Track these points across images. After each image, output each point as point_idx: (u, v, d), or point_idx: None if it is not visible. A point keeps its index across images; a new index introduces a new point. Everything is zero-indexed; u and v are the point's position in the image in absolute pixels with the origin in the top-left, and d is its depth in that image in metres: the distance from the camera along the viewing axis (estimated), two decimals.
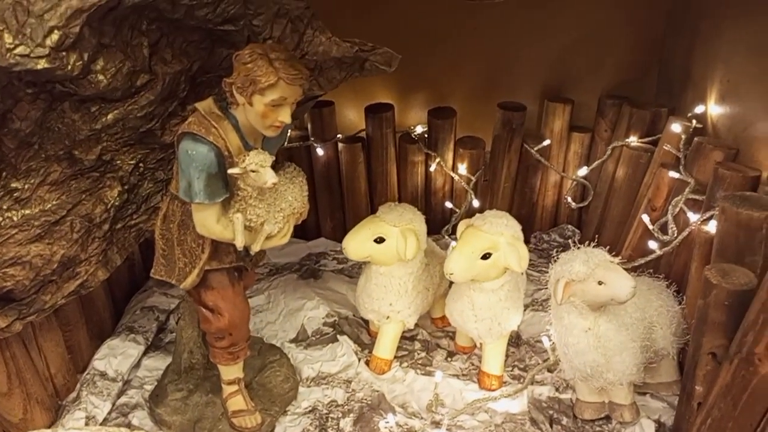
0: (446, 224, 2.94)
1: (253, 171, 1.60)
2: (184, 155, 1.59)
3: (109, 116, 1.74)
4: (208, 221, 1.66)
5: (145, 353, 2.31)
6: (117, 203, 1.94)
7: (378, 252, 2.13)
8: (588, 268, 1.80)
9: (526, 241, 3.10)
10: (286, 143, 2.94)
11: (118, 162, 1.93)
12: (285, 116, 1.59)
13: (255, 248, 1.74)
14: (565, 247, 1.97)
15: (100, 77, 1.59)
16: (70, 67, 1.47)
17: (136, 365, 2.26)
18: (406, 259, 2.12)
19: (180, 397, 2.02)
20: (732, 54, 2.21)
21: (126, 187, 1.96)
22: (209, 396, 2.02)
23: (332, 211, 3.07)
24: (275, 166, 1.86)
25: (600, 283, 1.78)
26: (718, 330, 1.70)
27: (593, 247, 1.86)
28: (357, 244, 2.12)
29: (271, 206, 1.73)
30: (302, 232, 3.18)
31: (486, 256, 2.00)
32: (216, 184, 1.62)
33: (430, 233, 3.07)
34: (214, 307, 1.83)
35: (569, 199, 2.92)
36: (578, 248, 1.87)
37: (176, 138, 1.61)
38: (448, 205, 2.95)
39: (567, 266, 1.83)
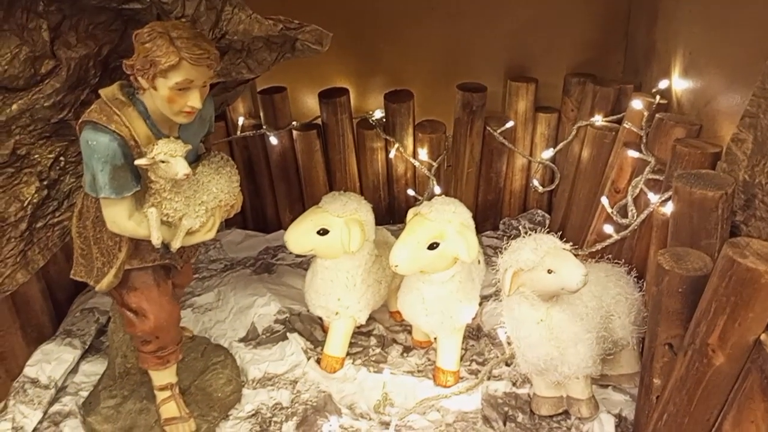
0: None
1: (163, 161, 1.47)
2: (85, 146, 1.46)
3: (14, 107, 1.62)
4: (119, 217, 1.53)
5: (84, 357, 2.19)
6: (35, 200, 1.81)
7: (322, 244, 2.01)
8: (537, 256, 1.69)
9: (495, 228, 3.01)
10: (236, 134, 2.83)
11: (36, 156, 1.80)
12: (194, 101, 1.46)
13: (175, 245, 1.62)
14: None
15: None
16: None
17: (73, 370, 2.14)
18: (350, 252, 2.00)
19: (113, 405, 1.91)
20: (692, 25, 2.08)
21: (45, 182, 1.83)
22: (144, 402, 1.91)
23: (291, 202, 2.95)
24: (200, 156, 1.75)
25: (549, 271, 1.68)
26: (673, 319, 1.58)
27: (546, 233, 1.76)
28: (298, 236, 2.01)
29: (190, 199, 1.61)
30: (262, 225, 3.07)
31: (433, 246, 1.88)
32: (123, 177, 1.49)
33: (394, 223, 2.99)
34: (137, 308, 1.71)
35: (536, 183, 2.80)
36: (529, 235, 1.76)
37: (77, 128, 1.49)
38: (411, 192, 2.83)
39: (515, 255, 1.73)
